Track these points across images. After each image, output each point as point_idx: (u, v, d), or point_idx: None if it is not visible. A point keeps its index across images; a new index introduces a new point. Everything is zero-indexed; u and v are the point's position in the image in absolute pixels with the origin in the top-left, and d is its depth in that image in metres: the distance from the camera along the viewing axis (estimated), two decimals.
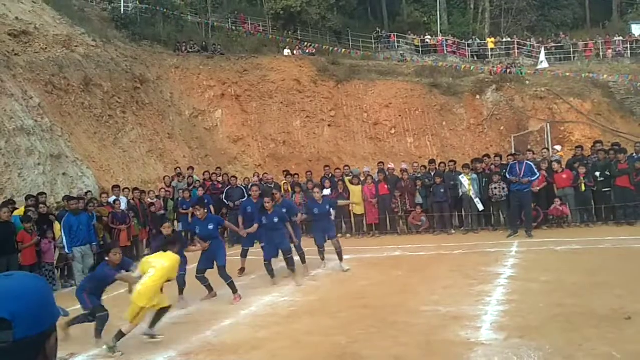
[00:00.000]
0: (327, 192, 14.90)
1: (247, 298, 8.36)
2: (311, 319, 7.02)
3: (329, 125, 24.96)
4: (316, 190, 10.65)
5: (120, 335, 6.23)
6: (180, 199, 14.89)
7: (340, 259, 9.93)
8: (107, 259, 6.84)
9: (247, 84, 25.06)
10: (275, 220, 9.19)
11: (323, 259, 10.33)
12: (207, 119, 24.25)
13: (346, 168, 16.37)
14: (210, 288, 8.50)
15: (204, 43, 27.39)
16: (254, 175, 17.19)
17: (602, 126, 23.75)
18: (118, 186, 13.88)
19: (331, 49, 28.14)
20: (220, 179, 16.34)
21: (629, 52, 28.51)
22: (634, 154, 13.27)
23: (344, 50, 28.22)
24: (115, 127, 19.65)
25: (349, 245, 13.12)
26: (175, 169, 17.93)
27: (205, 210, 8.93)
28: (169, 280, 6.69)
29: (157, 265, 6.48)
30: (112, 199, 12.91)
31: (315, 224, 10.58)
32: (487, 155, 15.23)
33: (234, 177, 16.29)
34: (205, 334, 6.72)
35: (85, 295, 6.73)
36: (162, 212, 14.33)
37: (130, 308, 6.30)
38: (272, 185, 15.31)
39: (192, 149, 22.62)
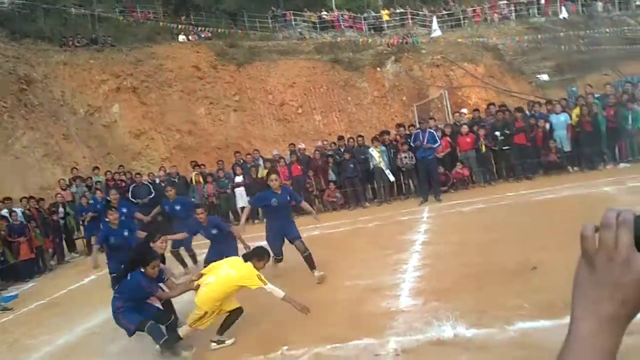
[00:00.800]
0: (239, 179, 14.74)
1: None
2: None
3: (235, 110, 24.54)
4: (273, 177, 8.03)
5: (177, 338, 5.74)
6: (78, 204, 14.09)
7: (310, 265, 7.66)
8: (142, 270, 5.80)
9: (143, 74, 24.01)
10: (214, 232, 7.85)
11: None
12: (104, 115, 23.02)
13: (255, 152, 16.18)
14: None
15: (92, 36, 25.84)
16: (159, 169, 16.57)
17: (496, 88, 25.04)
18: (9, 198, 12.92)
19: (228, 31, 27.53)
20: (124, 177, 15.60)
21: (513, 14, 30.12)
22: (527, 112, 14.09)
23: (240, 32, 27.72)
24: (4, 133, 18.23)
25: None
26: (72, 170, 16.92)
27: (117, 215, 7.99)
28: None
29: (223, 273, 5.81)
30: (4, 211, 11.99)
31: (271, 223, 8.30)
32: (402, 125, 15.54)
33: (138, 174, 15.63)
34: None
35: (120, 316, 5.76)
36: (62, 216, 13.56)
37: (193, 311, 5.80)
38: (176, 179, 14.91)
39: (91, 148, 21.44)
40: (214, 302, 5.69)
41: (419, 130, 13.09)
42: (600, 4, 32.30)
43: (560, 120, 13.30)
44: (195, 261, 9.43)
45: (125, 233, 7.81)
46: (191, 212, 8.74)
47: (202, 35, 26.99)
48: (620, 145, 12.98)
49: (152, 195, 14.10)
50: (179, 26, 27.80)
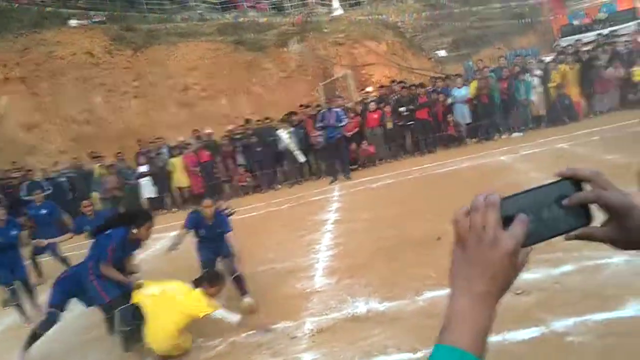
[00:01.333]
0: (143, 168, 14.16)
1: None
2: None
3: (135, 97, 23.44)
4: (207, 202, 6.50)
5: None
6: None
7: (241, 288, 6.01)
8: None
9: (33, 63, 22.30)
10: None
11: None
12: None
13: (159, 140, 15.60)
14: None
15: None
16: (54, 165, 15.52)
17: (398, 65, 25.68)
18: None
19: (123, 15, 26.15)
20: (16, 174, 14.47)
21: None
22: (430, 88, 14.56)
23: (137, 14, 26.43)
24: None
25: (175, 219, 12.71)
26: None
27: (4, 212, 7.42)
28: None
29: (170, 290, 5.14)
30: None
31: (201, 244, 6.71)
32: (308, 106, 15.53)
33: (29, 170, 14.54)
34: None
35: (97, 281, 5.16)
36: None
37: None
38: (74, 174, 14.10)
39: None
40: (168, 341, 4.92)
41: (325, 110, 13.10)
42: None
43: (461, 94, 13.87)
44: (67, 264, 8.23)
45: (13, 232, 7.24)
46: (57, 218, 8.53)
47: (96, 20, 25.44)
48: (514, 115, 13.75)
49: (49, 191, 13.23)
50: (69, 11, 26.06)
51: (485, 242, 0.77)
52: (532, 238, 0.79)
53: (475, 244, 0.78)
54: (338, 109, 13.09)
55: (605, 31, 20.91)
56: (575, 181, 0.82)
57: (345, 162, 13.01)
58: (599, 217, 0.82)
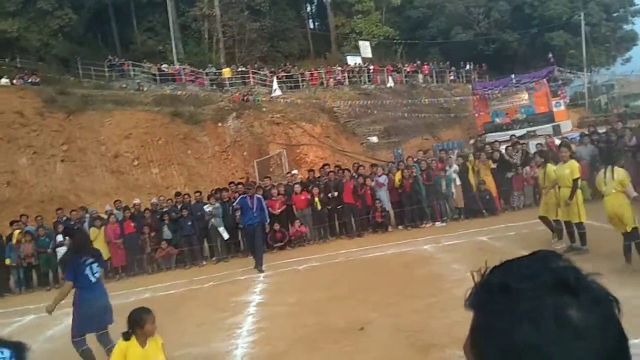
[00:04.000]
0: (60, 237, 13.55)
1: None
2: None
3: (62, 161, 22.73)
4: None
5: None
6: None
7: None
8: None
9: None
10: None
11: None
12: None
13: (80, 210, 15.02)
14: None
15: None
16: None
17: (331, 147, 26.51)
18: None
19: (58, 77, 25.80)
20: None
21: (347, 80, 32.53)
22: (354, 174, 15.04)
23: (73, 78, 26.15)
24: None
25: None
26: None
27: None
28: None
29: None
30: None
31: (85, 295, 6.42)
32: (239, 183, 15.39)
33: None
34: None
35: None
36: None
37: None
38: None
39: None
40: None
41: (245, 195, 12.20)
42: (421, 76, 36.33)
43: (380, 181, 14.48)
44: None
45: None
46: None
47: (29, 80, 24.93)
48: (435, 206, 14.36)
49: None
50: (2, 68, 25.46)
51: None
52: None
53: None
54: (259, 195, 12.55)
55: (521, 132, 22.64)
56: None
57: (259, 252, 11.69)
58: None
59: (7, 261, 13.39)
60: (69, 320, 9.38)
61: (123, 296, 11.23)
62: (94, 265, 6.39)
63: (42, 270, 13.69)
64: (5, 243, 13.71)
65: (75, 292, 6.38)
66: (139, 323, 4.35)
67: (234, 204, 12.74)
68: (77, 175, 22.69)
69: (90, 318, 6.27)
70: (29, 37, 26.71)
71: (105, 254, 13.55)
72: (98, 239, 13.39)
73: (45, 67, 27.25)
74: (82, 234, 7.13)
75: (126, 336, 4.38)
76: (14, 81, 24.58)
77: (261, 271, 11.35)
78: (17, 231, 13.83)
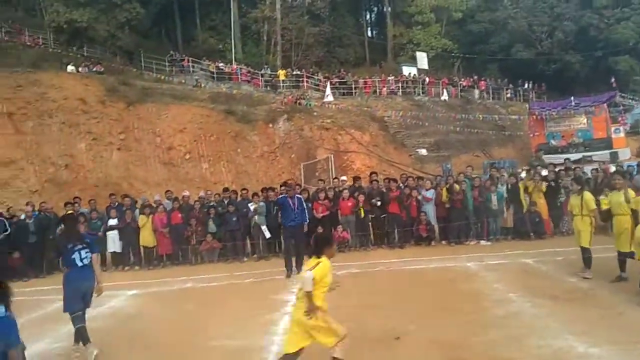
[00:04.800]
0: (113, 222, 14.02)
1: None
2: None
3: (119, 149, 23.56)
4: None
5: None
6: None
7: None
8: None
9: (23, 100, 22.47)
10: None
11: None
12: None
13: (126, 199, 15.34)
14: None
15: None
16: (27, 204, 15.23)
17: (379, 156, 26.43)
18: None
19: (121, 68, 26.76)
20: None
21: (400, 90, 32.40)
22: (402, 184, 14.93)
23: (135, 70, 27.07)
24: None
25: (138, 278, 12.48)
26: None
27: None
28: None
29: None
30: None
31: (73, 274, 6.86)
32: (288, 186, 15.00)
33: None
34: None
35: None
36: None
37: None
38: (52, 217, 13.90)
39: None
40: None
41: (285, 195, 12.00)
42: (477, 91, 35.77)
43: (427, 195, 14.30)
44: None
45: None
46: None
47: (94, 69, 25.97)
48: (484, 224, 14.10)
49: (7, 232, 12.97)
50: (70, 56, 26.62)
51: None
52: None
53: None
54: (299, 196, 12.36)
55: (577, 156, 21.98)
56: None
57: (300, 255, 11.47)
58: None
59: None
60: (112, 302, 9.79)
61: (167, 284, 11.59)
62: (83, 252, 6.78)
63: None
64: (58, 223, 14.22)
65: (64, 273, 6.96)
66: (329, 241, 5.56)
67: (276, 203, 12.83)
68: (132, 163, 23.45)
69: (77, 297, 6.69)
70: (98, 28, 27.78)
71: (152, 242, 14.00)
72: (146, 226, 13.81)
73: (110, 58, 28.32)
74: (71, 222, 7.41)
75: (319, 254, 5.29)
76: (80, 69, 25.67)
77: (297, 273, 11.35)
78: (69, 211, 14.34)
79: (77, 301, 6.67)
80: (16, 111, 22.24)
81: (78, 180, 22.16)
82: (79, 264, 6.72)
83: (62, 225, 7.21)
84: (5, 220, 13.14)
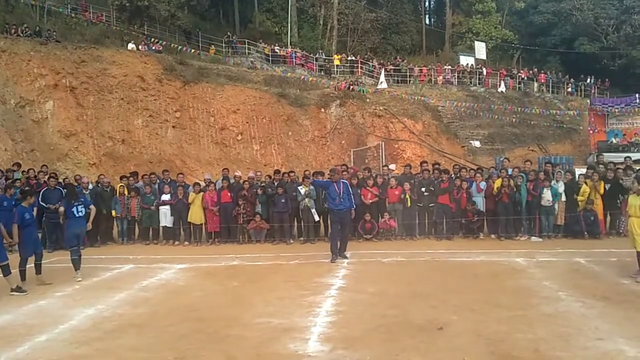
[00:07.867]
0: (165, 197, 14.41)
1: (68, 310, 7.72)
2: (138, 334, 6.67)
3: (173, 127, 24.18)
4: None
5: None
6: None
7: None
8: None
9: (85, 75, 23.33)
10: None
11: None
12: (36, 110, 22.08)
13: (180, 176, 15.65)
14: None
15: (37, 28, 24.97)
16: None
17: (430, 146, 26.08)
18: None
19: (180, 47, 27.32)
20: (46, 177, 14.69)
21: (456, 80, 31.74)
22: (453, 175, 14.69)
23: (192, 50, 27.58)
24: None
25: (187, 253, 12.82)
26: None
27: None
28: None
29: None
30: None
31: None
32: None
33: (53, 175, 14.79)
34: (15, 351, 6.05)
35: None
36: None
37: None
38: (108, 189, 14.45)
39: (15, 141, 20.41)
40: None
41: (329, 180, 12.06)
42: (536, 84, 34.62)
43: (480, 186, 13.99)
44: None
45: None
46: None
47: (153, 47, 26.62)
48: (536, 220, 13.72)
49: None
50: (131, 34, 27.34)
51: None
52: None
53: None
54: (345, 180, 12.24)
55: (638, 155, 21.01)
56: None
57: (345, 239, 11.73)
58: None
59: (113, 212, 14.40)
60: (163, 274, 10.12)
61: (214, 260, 11.87)
62: (79, 207, 10.09)
63: (144, 225, 14.62)
64: (113, 196, 14.73)
65: (66, 220, 10.38)
66: None
67: (325, 189, 12.64)
68: (185, 142, 24.02)
69: (74, 237, 10.01)
70: (158, 7, 28.38)
71: (200, 219, 14.31)
72: (195, 202, 14.10)
73: (169, 37, 28.93)
74: (72, 188, 11.18)
75: None
76: (140, 47, 26.34)
77: (345, 257, 11.46)
78: (119, 185, 14.86)
79: (74, 239, 9.97)
80: (78, 86, 23.11)
81: (134, 155, 22.90)
82: (76, 214, 10.01)
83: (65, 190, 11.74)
84: (62, 190, 13.66)
